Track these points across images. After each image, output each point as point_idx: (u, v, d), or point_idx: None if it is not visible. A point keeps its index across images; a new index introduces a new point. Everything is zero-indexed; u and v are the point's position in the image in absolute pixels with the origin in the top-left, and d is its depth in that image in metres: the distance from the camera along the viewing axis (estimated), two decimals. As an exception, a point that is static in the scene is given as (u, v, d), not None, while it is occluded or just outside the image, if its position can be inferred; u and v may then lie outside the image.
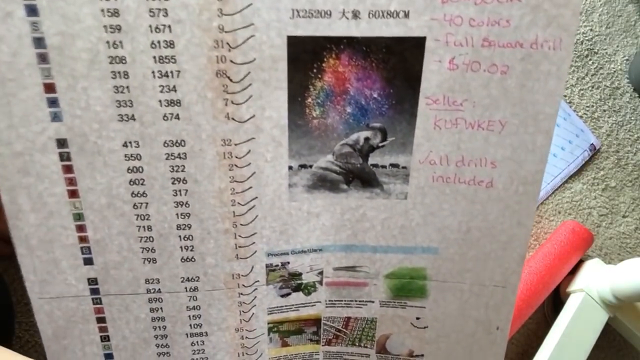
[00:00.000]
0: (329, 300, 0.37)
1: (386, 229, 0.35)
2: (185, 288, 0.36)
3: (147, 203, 0.34)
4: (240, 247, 0.35)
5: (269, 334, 0.38)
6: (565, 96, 1.08)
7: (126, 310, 0.36)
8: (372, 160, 0.34)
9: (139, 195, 0.34)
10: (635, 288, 0.80)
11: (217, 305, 0.37)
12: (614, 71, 1.13)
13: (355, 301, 0.37)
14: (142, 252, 0.35)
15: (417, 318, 0.37)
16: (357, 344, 0.38)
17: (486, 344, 0.37)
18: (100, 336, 0.37)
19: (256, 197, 0.34)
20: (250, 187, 0.34)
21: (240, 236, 0.35)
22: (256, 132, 0.33)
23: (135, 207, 0.34)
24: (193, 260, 0.35)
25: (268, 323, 0.38)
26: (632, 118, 1.09)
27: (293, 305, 0.37)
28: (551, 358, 0.80)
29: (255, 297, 0.37)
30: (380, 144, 0.34)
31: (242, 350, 0.38)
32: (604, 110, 1.10)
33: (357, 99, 0.33)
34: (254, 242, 0.35)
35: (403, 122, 0.33)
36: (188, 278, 0.36)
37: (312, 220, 0.35)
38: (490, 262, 0.35)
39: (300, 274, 0.37)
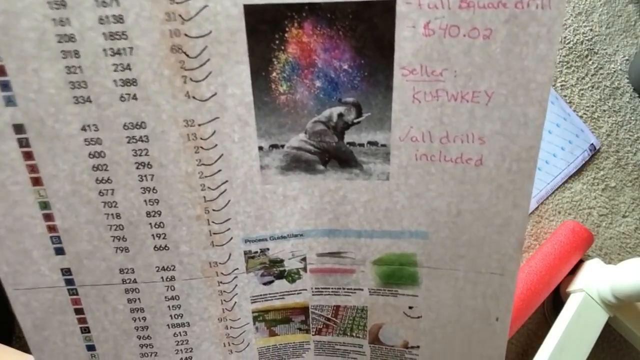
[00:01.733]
0: (316, 288, 0.35)
1: (369, 212, 0.32)
2: (162, 277, 0.34)
3: (112, 189, 0.32)
4: (214, 233, 0.33)
5: (254, 323, 0.36)
6: (565, 96, 1.07)
7: (103, 302, 0.35)
8: (348, 138, 0.31)
9: (103, 181, 0.32)
10: (635, 288, 0.78)
11: (197, 294, 0.35)
12: (614, 71, 1.06)
13: (343, 289, 0.34)
14: (113, 240, 0.33)
15: (410, 307, 0.34)
16: (348, 333, 0.36)
17: (485, 335, 0.34)
18: (80, 327, 0.35)
19: (227, 181, 0.32)
20: (220, 170, 0.32)
21: (213, 222, 0.33)
22: (220, 111, 0.31)
23: (101, 194, 0.32)
24: (167, 248, 0.34)
25: (252, 312, 0.36)
26: (632, 118, 1.04)
27: (277, 293, 0.35)
28: (551, 358, 0.79)
29: (236, 285, 0.35)
30: (356, 120, 0.31)
31: (228, 340, 0.36)
32: (604, 110, 1.06)
33: (326, 72, 0.30)
34: (228, 229, 0.33)
35: (378, 95, 0.30)
36: (163, 267, 0.34)
37: (290, 203, 0.32)
38: (485, 247, 0.32)
39: (282, 261, 0.34)
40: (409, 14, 0.29)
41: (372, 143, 0.31)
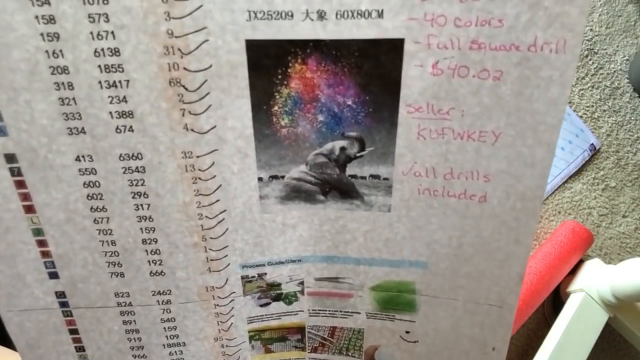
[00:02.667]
0: (313, 310, 0.35)
1: (369, 241, 0.33)
2: (158, 301, 0.34)
3: (108, 218, 0.32)
4: (212, 260, 0.33)
5: (250, 342, 0.36)
6: (565, 97, 1.06)
7: (98, 323, 0.35)
8: (350, 170, 0.31)
9: (98, 210, 0.32)
10: (635, 288, 0.78)
11: (193, 316, 0.35)
12: (614, 71, 1.06)
13: (340, 311, 0.35)
14: (108, 266, 0.33)
15: (407, 332, 0.34)
16: (344, 353, 0.36)
17: None
18: (75, 347, 0.35)
19: (225, 210, 0.32)
20: (218, 200, 0.32)
21: (211, 249, 0.33)
22: (219, 143, 0.30)
23: (96, 221, 0.32)
24: (163, 274, 0.34)
25: (249, 332, 0.36)
26: (632, 118, 1.04)
27: (274, 314, 0.35)
28: (551, 358, 0.79)
29: (233, 307, 0.35)
30: (358, 154, 0.31)
31: (224, 357, 0.36)
32: (604, 110, 1.07)
33: (330, 107, 0.30)
34: (226, 255, 0.33)
35: (382, 131, 0.30)
36: (159, 292, 0.34)
37: (288, 231, 0.32)
38: (485, 280, 0.32)
39: (280, 284, 0.35)
40: (417, 53, 0.28)
41: (374, 176, 0.31)
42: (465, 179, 0.30)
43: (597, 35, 1.07)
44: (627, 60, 1.08)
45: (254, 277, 0.34)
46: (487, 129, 0.29)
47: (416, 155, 0.30)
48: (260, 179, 0.31)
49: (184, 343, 0.35)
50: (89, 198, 0.31)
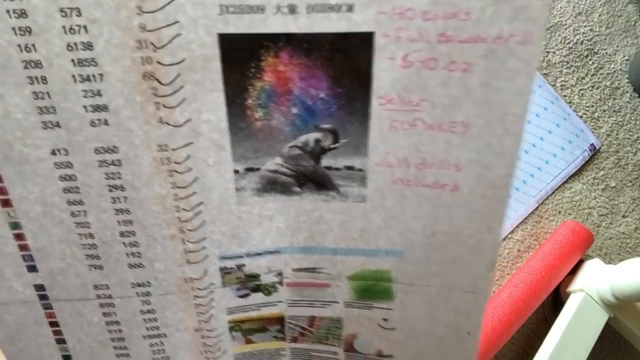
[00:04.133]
0: (291, 300, 0.36)
1: (345, 231, 0.33)
2: (137, 293, 0.35)
3: (85, 211, 0.32)
4: (189, 252, 0.34)
5: (230, 333, 0.37)
6: (565, 96, 1.06)
7: (78, 315, 0.35)
8: (325, 162, 0.32)
9: (75, 203, 0.32)
10: (635, 288, 0.78)
11: (173, 308, 0.35)
12: (614, 71, 1.05)
13: (319, 301, 0.35)
14: (87, 259, 0.33)
15: (384, 319, 0.35)
16: (323, 342, 0.36)
17: (456, 348, 0.35)
18: (56, 339, 0.35)
19: (202, 203, 0.32)
20: (195, 193, 0.32)
21: (188, 241, 0.33)
22: (194, 136, 0.31)
23: (74, 215, 0.32)
24: (142, 266, 0.34)
25: (229, 322, 0.36)
26: (632, 118, 1.03)
27: (253, 305, 0.36)
28: (551, 358, 0.78)
29: (213, 299, 0.35)
30: (332, 146, 0.31)
31: (205, 348, 0.36)
32: (604, 110, 1.04)
33: (303, 100, 0.30)
34: (204, 247, 0.34)
35: (355, 123, 0.30)
36: (138, 283, 0.35)
37: (265, 223, 0.33)
38: (458, 266, 0.33)
39: (258, 275, 0.35)
40: (387, 46, 0.29)
41: (348, 168, 0.32)
42: (437, 169, 0.31)
43: (597, 35, 1.07)
44: (627, 60, 1.08)
45: (232, 268, 0.35)
46: (456, 120, 0.29)
47: (389, 146, 0.31)
48: (236, 172, 0.32)
49: (165, 334, 0.36)
50: (66, 191, 0.31)
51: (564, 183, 0.97)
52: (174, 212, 0.32)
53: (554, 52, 1.04)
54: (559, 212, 0.96)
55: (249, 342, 0.37)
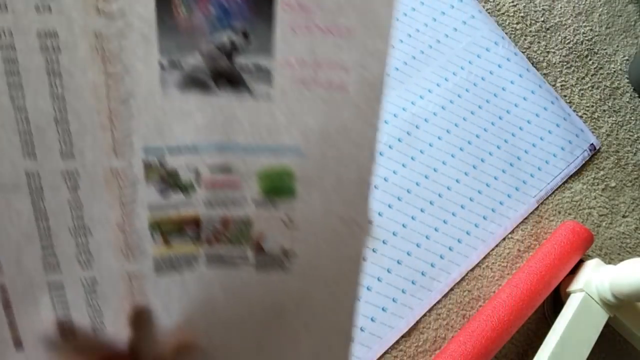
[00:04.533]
0: (207, 201, 0.38)
1: (255, 129, 0.36)
2: (67, 184, 0.36)
3: (24, 95, 0.34)
4: (117, 143, 0.35)
5: (151, 232, 0.38)
6: (565, 96, 1.06)
7: (7, 206, 0.36)
8: (237, 61, 0.35)
9: (15, 86, 0.33)
10: (635, 288, 0.78)
11: (99, 201, 0.36)
12: (614, 71, 1.05)
13: (232, 202, 0.38)
14: (22, 146, 0.35)
15: (289, 217, 0.38)
16: (235, 243, 0.38)
17: (348, 239, 0.38)
18: None
19: (131, 94, 0.34)
20: (125, 83, 0.34)
21: (117, 132, 0.35)
22: (126, 27, 0.33)
23: (12, 99, 0.34)
24: (72, 156, 0.35)
25: (149, 221, 0.38)
26: (632, 118, 1.03)
27: (172, 205, 0.37)
28: (551, 358, 0.79)
29: (136, 193, 0.37)
30: (244, 45, 0.34)
31: (126, 248, 0.37)
32: (604, 110, 1.04)
33: (220, 0, 0.34)
34: (131, 139, 0.35)
35: (263, 24, 0.34)
36: (68, 173, 0.36)
37: (186, 118, 0.36)
38: (348, 161, 0.37)
39: (177, 174, 0.37)
40: None
41: (257, 67, 0.35)
42: (329, 70, 0.35)
43: (597, 35, 1.07)
44: (627, 60, 1.08)
45: (155, 163, 0.37)
46: (342, 24, 0.33)
47: (290, 47, 0.34)
48: (161, 65, 0.34)
49: (90, 230, 0.37)
50: (7, 74, 0.33)
51: (564, 183, 0.98)
52: (105, 102, 0.34)
53: (554, 52, 1.04)
54: (559, 212, 0.96)
55: (167, 244, 0.38)
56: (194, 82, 0.35)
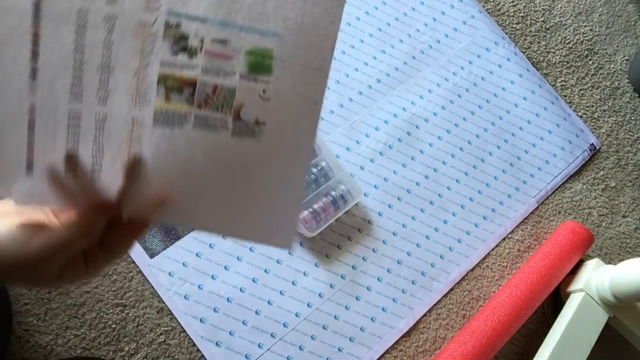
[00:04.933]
0: (204, 68, 0.44)
1: (251, 11, 0.43)
2: (105, 25, 0.42)
3: None
4: (150, 1, 0.42)
5: (157, 85, 0.44)
6: (565, 96, 1.06)
7: (57, 34, 0.41)
8: None
9: None
10: (635, 288, 0.78)
11: (125, 46, 0.42)
12: (614, 71, 1.05)
13: (223, 72, 0.44)
14: None
15: (264, 91, 0.44)
16: (220, 109, 0.45)
17: (306, 116, 0.45)
18: (32, 51, 0.41)
19: None
20: None
21: None
22: None
23: None
24: (115, 2, 0.41)
25: (159, 74, 0.44)
26: (632, 118, 1.04)
27: (178, 64, 0.43)
28: (551, 358, 0.78)
29: (154, 47, 0.43)
30: None
31: (136, 94, 0.43)
32: (604, 110, 1.04)
33: None
34: (160, 1, 0.42)
35: None
36: (108, 16, 0.42)
37: None
38: (314, 50, 0.44)
39: (188, 37, 0.43)
40: None
41: None
42: None
43: (597, 35, 1.07)
44: (627, 60, 1.08)
45: (173, 24, 0.43)
46: None
47: None
48: None
49: (113, 69, 0.43)
50: None
51: (564, 183, 0.98)
52: None
53: (554, 52, 1.04)
54: (559, 212, 0.96)
55: (167, 98, 0.44)
56: None
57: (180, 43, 0.43)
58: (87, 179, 0.42)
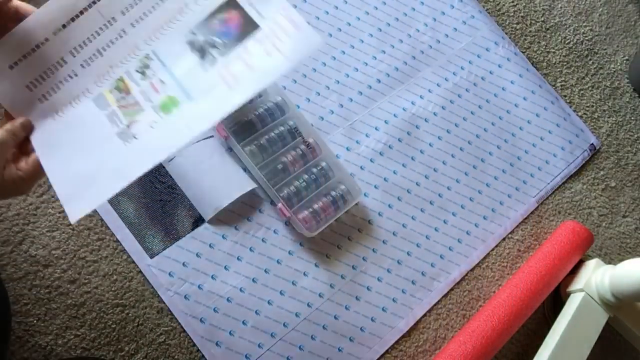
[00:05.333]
0: (142, 90, 0.56)
1: (197, 86, 0.55)
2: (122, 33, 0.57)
3: None
4: None
5: (115, 80, 0.57)
6: (565, 96, 1.05)
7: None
8: None
9: None
10: (635, 288, 0.78)
11: (118, 50, 0.57)
12: (614, 71, 1.06)
13: (149, 98, 0.55)
14: None
15: (155, 121, 0.55)
16: (125, 115, 0.56)
17: (167, 146, 0.54)
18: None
19: None
20: None
21: None
22: None
23: None
24: None
25: (120, 75, 0.57)
26: (632, 118, 1.04)
27: (133, 78, 0.56)
28: (551, 358, 0.78)
29: (130, 60, 0.57)
30: None
31: (102, 76, 0.57)
32: (604, 110, 1.03)
33: None
34: None
35: None
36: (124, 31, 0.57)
37: None
38: (200, 120, 0.53)
39: (149, 68, 0.56)
40: None
41: None
42: None
43: (597, 35, 1.07)
44: (627, 60, 1.08)
45: (149, 57, 0.57)
46: None
47: None
48: None
49: (104, 51, 0.57)
50: None
51: (564, 183, 0.98)
52: None
53: (554, 52, 1.04)
54: (559, 212, 0.96)
55: (111, 92, 0.57)
56: None
57: (143, 68, 0.57)
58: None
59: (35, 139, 0.56)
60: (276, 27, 0.52)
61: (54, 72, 0.57)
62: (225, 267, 0.77)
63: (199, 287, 0.75)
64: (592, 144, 1.01)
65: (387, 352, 0.80)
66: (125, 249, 0.74)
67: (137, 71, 0.56)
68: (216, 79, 0.54)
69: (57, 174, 0.55)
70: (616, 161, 1.01)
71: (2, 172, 0.51)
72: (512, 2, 1.05)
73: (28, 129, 0.56)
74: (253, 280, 0.77)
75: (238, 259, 0.78)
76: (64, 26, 0.57)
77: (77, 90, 0.58)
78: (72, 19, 0.56)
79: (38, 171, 0.54)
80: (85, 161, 0.56)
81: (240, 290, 0.77)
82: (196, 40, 0.55)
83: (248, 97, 0.52)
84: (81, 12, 0.56)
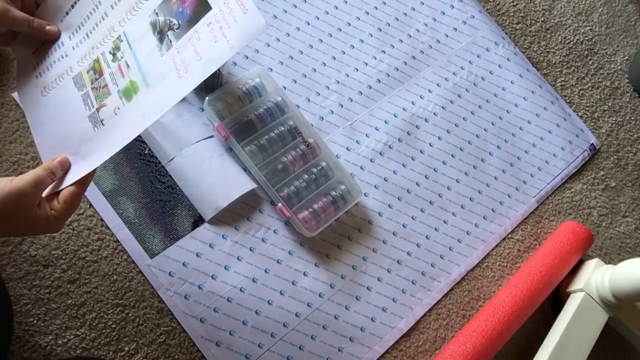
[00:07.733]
0: (112, 72, 0.58)
1: (157, 74, 0.55)
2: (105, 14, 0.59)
3: None
4: None
5: (92, 61, 0.59)
6: (565, 96, 1.05)
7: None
8: None
9: None
10: (635, 288, 0.78)
11: (97, 36, 0.59)
12: (614, 71, 1.06)
13: (116, 81, 0.57)
14: None
15: (118, 107, 0.56)
16: (97, 98, 0.58)
17: (127, 134, 0.55)
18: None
19: None
20: None
21: None
22: None
23: None
24: None
25: (97, 56, 0.59)
26: (632, 118, 1.04)
27: (107, 59, 0.58)
28: (551, 358, 0.78)
29: (106, 43, 0.59)
30: None
31: (83, 56, 0.60)
32: (604, 110, 1.03)
33: None
34: None
35: None
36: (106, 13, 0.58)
37: None
38: (153, 108, 0.54)
39: (120, 50, 0.57)
40: None
41: None
42: None
43: (597, 35, 1.07)
44: (627, 60, 1.08)
45: (121, 39, 0.58)
46: None
47: None
48: None
49: (91, 33, 0.60)
50: None
51: (564, 183, 0.98)
52: None
53: (554, 52, 1.04)
54: (559, 212, 0.96)
55: (87, 72, 0.59)
56: None
57: (115, 50, 0.58)
58: None
59: (30, 116, 0.60)
60: (225, 8, 0.51)
61: (52, 54, 0.61)
62: (225, 267, 0.77)
63: (199, 287, 0.75)
64: (592, 144, 1.01)
65: (387, 352, 0.80)
66: (125, 249, 0.74)
67: (110, 52, 0.58)
68: (170, 65, 0.54)
69: (45, 151, 0.58)
70: (616, 161, 1.01)
71: (36, 210, 0.50)
72: (512, 2, 1.05)
73: (65, 166, 0.55)
74: (253, 280, 0.77)
75: (238, 259, 0.78)
76: (67, 13, 0.60)
77: (62, 68, 0.60)
78: (72, 6, 0.60)
79: (70, 210, 0.53)
80: (65, 143, 0.58)
81: (240, 290, 0.77)
82: (157, 21, 0.56)
83: (194, 86, 0.52)
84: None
